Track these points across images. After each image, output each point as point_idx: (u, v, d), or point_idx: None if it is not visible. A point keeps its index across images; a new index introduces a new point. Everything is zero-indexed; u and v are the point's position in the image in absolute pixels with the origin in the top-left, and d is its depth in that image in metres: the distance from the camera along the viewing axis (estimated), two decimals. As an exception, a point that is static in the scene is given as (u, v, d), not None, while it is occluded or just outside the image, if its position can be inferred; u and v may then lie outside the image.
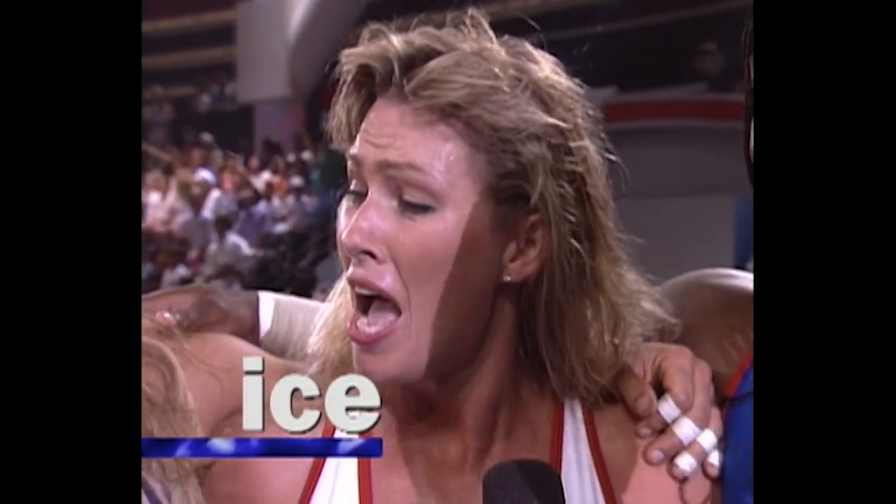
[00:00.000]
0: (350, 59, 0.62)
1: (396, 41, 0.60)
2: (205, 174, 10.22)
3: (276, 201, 9.58)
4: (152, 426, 0.65)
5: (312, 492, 0.69)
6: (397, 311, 0.61)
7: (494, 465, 0.60)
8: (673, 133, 7.70)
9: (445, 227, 0.61)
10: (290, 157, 10.33)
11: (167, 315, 0.71)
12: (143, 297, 0.76)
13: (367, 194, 0.61)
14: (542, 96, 0.62)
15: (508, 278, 0.63)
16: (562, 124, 0.61)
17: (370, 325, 0.62)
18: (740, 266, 1.00)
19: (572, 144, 0.62)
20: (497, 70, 0.60)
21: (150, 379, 0.65)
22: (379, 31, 0.61)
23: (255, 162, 10.71)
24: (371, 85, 0.62)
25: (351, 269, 0.62)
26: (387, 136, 0.61)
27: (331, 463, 0.69)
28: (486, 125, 0.58)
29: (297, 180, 9.66)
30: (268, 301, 0.79)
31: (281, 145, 10.76)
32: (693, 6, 9.90)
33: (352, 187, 0.63)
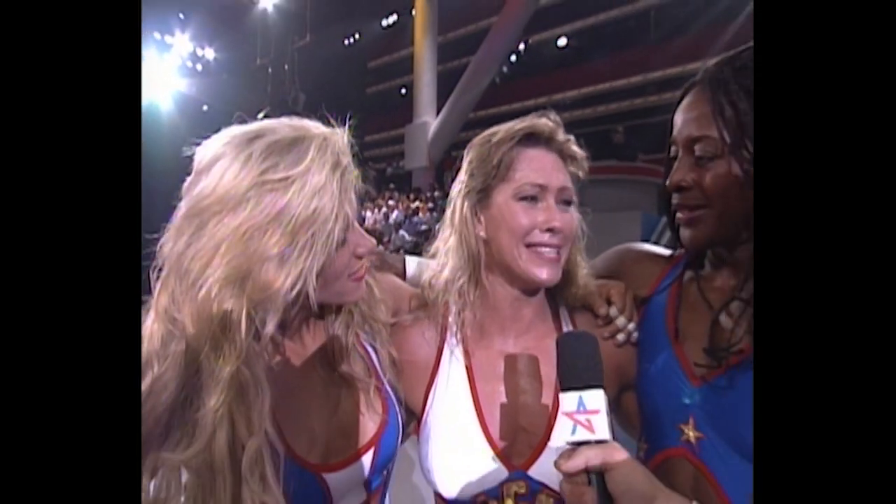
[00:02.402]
0: None
1: None
2: (391, 202, 13.39)
3: (420, 215, 12.08)
4: (368, 308, 0.98)
5: (439, 361, 1.03)
6: None
7: (566, 332, 0.91)
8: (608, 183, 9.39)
9: None
10: (428, 194, 12.99)
11: (368, 265, 0.98)
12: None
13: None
14: None
15: None
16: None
17: None
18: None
19: None
20: None
21: (364, 292, 0.94)
22: None
23: (411, 197, 13.36)
24: None
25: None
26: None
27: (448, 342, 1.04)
28: None
29: (430, 205, 12.22)
30: (411, 261, 1.19)
31: (423, 190, 13.65)
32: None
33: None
